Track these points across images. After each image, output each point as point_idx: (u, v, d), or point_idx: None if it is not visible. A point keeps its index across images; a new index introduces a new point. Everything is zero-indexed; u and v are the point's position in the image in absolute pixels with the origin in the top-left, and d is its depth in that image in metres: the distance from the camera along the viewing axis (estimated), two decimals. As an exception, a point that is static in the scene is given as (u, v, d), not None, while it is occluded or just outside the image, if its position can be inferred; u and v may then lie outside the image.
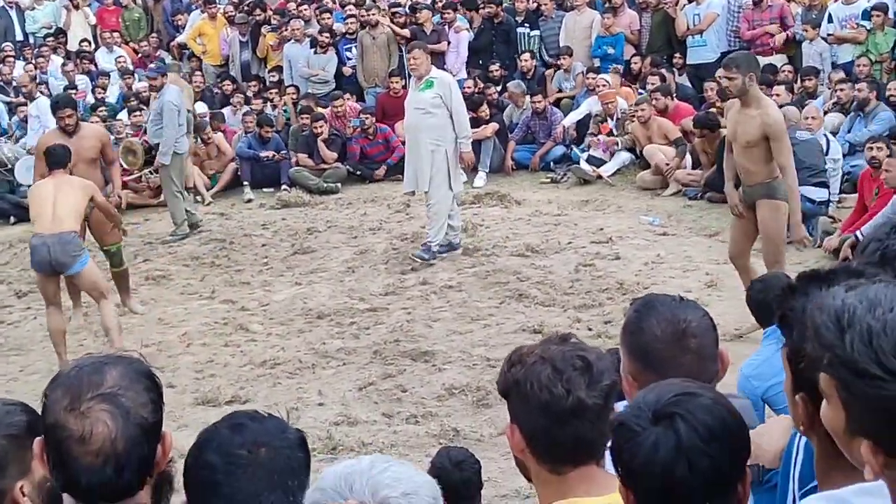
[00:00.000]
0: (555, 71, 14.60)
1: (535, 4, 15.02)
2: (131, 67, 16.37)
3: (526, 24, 14.93)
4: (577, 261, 9.82)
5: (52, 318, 8.35)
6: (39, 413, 2.17)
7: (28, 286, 10.63)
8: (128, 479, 2.05)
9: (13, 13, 17.42)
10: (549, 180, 12.96)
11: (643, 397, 1.97)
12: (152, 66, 13.26)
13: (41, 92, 14.85)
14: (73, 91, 14.25)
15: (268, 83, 15.57)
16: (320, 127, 13.68)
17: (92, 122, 14.07)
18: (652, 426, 1.89)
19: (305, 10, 15.85)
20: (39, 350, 8.89)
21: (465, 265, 10.03)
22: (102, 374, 2.07)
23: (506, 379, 2.31)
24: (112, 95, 15.78)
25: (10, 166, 13.51)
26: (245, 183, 13.63)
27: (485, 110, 13.44)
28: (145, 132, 12.49)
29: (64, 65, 16.28)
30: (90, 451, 2.02)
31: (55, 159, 8.37)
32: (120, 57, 16.50)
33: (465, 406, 6.92)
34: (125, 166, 12.10)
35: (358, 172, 13.60)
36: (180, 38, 16.82)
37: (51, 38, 17.07)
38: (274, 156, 13.69)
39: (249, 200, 13.35)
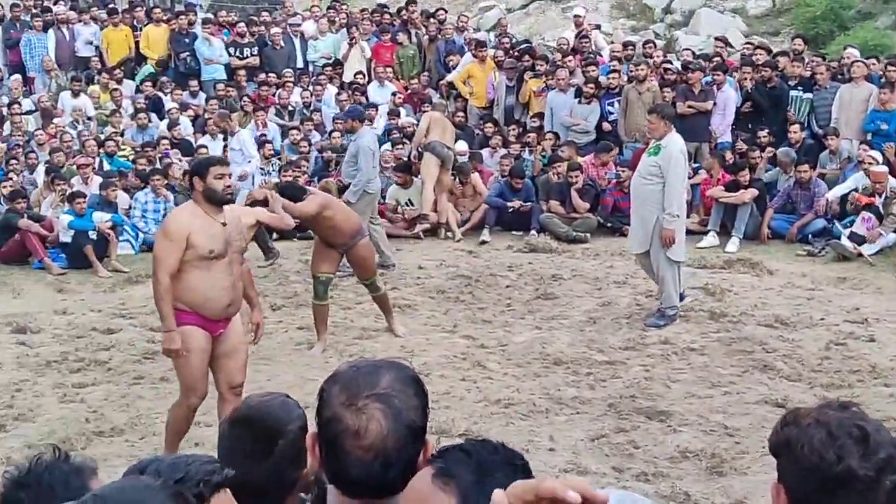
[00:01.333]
0: (818, 149, 14.17)
1: (810, 72, 14.62)
2: (399, 103, 16.97)
3: (799, 88, 14.55)
4: (828, 338, 9.44)
5: None
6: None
7: (283, 300, 11.16)
8: (392, 477, 2.11)
9: (297, 41, 18.37)
10: (805, 253, 12.54)
11: None
12: (348, 108, 13.59)
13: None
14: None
15: (528, 128, 15.78)
16: (576, 176, 13.75)
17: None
18: None
19: (570, 61, 16.01)
20: (287, 362, 9.25)
21: (709, 329, 9.81)
22: (378, 375, 2.17)
23: (778, 437, 2.26)
24: (379, 128, 16.36)
25: None
26: (487, 226, 13.88)
27: (745, 175, 13.17)
28: (339, 172, 12.94)
29: (338, 94, 17.02)
30: (363, 445, 2.10)
31: None
32: (394, 92, 17.11)
33: (699, 471, 6.74)
34: None
35: (608, 224, 13.58)
36: (449, 78, 17.28)
37: (329, 68, 17.89)
38: (521, 206, 13.87)
39: (484, 242, 13.56)
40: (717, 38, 17.20)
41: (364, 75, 17.70)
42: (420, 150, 14.08)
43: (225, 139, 15.47)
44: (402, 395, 2.15)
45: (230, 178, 6.84)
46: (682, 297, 10.22)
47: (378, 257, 11.39)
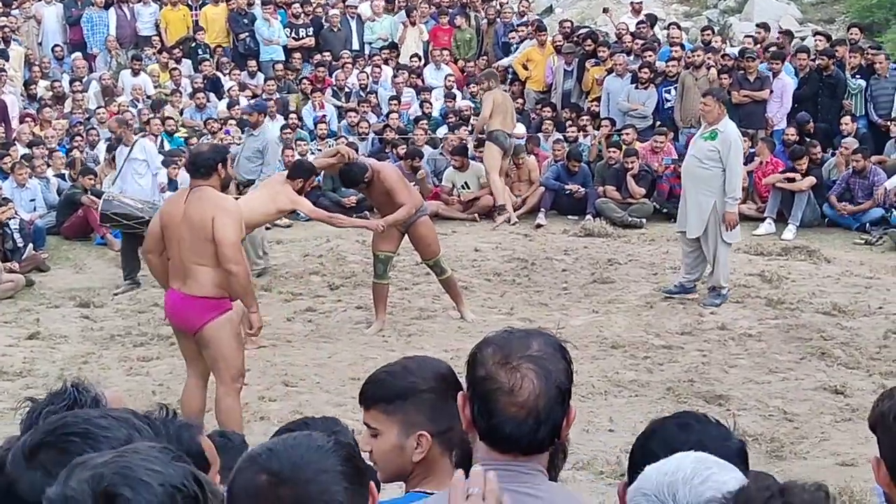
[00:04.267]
0: (876, 138, 14.05)
1: (870, 62, 14.50)
2: (456, 86, 17.04)
3: (857, 76, 14.42)
4: (886, 326, 9.43)
5: None
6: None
7: (341, 279, 11.29)
8: (542, 436, 2.26)
9: (353, 23, 18.45)
10: (863, 241, 12.49)
11: None
12: (252, 101, 13.54)
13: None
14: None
15: (585, 112, 15.77)
16: (632, 162, 13.76)
17: (415, 135, 14.92)
18: None
19: (630, 42, 16.02)
20: (346, 340, 9.40)
21: (767, 316, 9.83)
22: (529, 339, 2.31)
23: (874, 412, 2.33)
24: (435, 110, 16.45)
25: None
26: (542, 210, 13.91)
27: (803, 163, 13.13)
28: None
29: (394, 76, 17.11)
30: (516, 402, 2.24)
31: None
32: (448, 75, 17.17)
33: (758, 455, 6.76)
34: None
35: (664, 210, 13.57)
36: (507, 61, 17.31)
37: (385, 51, 17.97)
38: (577, 189, 13.89)
39: (539, 226, 13.60)
40: (780, 32, 17.05)
41: (420, 58, 17.77)
42: (482, 135, 14.07)
43: (111, 151, 13.41)
44: (552, 358, 2.29)
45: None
46: (689, 291, 10.35)
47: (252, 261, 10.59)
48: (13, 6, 18.51)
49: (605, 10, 19.19)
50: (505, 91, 15.00)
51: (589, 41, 16.36)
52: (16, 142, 14.71)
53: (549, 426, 2.26)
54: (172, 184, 13.45)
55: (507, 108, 13.80)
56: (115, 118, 13.21)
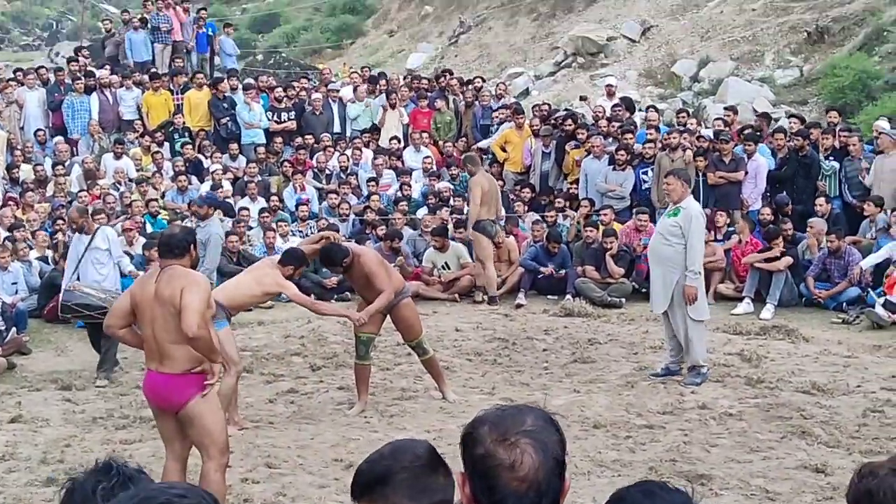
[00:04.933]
0: (851, 218, 14.28)
1: (843, 143, 14.77)
2: (436, 168, 17.26)
3: (831, 158, 14.70)
4: (865, 405, 9.48)
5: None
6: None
7: (322, 360, 11.31)
8: None
9: (335, 106, 18.73)
10: (840, 321, 12.62)
11: None
12: (201, 195, 13.40)
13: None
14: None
15: (563, 193, 15.97)
16: (610, 242, 13.91)
17: (395, 216, 15.02)
18: None
19: (606, 125, 16.31)
20: (328, 421, 9.38)
21: (746, 395, 9.89)
22: (523, 415, 2.40)
23: (857, 490, 2.40)
24: (415, 192, 16.62)
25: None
26: (522, 290, 14.01)
27: (779, 242, 13.31)
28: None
29: (374, 159, 17.32)
30: (518, 477, 2.31)
31: None
32: (426, 157, 17.39)
33: (741, 534, 6.82)
34: None
35: (643, 290, 13.65)
36: (485, 143, 17.55)
37: (366, 134, 18.21)
38: (554, 272, 14.03)
39: (519, 306, 13.72)
40: (758, 115, 17.38)
41: (399, 140, 18.00)
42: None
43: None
44: (546, 431, 2.37)
45: None
46: (676, 372, 10.46)
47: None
48: (-4, 91, 18.69)
49: (583, 98, 19.55)
50: (487, 172, 15.17)
51: (569, 121, 16.64)
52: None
53: (549, 498, 2.33)
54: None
55: (493, 194, 13.92)
56: (76, 207, 12.57)
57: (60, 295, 11.07)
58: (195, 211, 12.76)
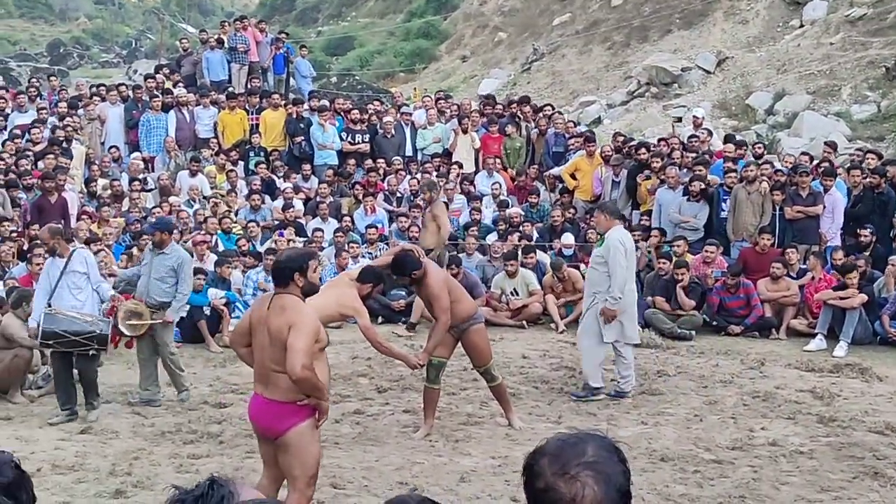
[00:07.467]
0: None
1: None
2: (506, 194, 17.25)
3: (905, 194, 14.47)
4: (942, 448, 9.28)
5: None
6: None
7: (388, 382, 11.33)
8: None
9: (407, 130, 18.82)
10: (916, 360, 12.39)
11: None
12: (156, 220, 12.67)
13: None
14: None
15: (636, 224, 15.87)
16: (682, 273, 13.78)
17: (465, 241, 15.05)
18: None
19: (678, 156, 16.18)
20: (393, 444, 9.37)
21: (818, 433, 9.71)
22: (584, 444, 2.32)
23: None
24: (486, 217, 16.62)
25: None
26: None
27: (854, 277, 13.09)
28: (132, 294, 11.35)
29: (445, 183, 17.36)
30: None
31: None
32: (495, 183, 17.40)
33: (812, 576, 6.68)
34: (126, 332, 10.74)
35: (714, 323, 13.54)
36: (556, 171, 17.51)
37: (437, 157, 18.26)
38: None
39: None
40: (826, 143, 17.17)
41: (471, 165, 18.03)
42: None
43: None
44: (608, 461, 2.29)
45: None
46: (624, 395, 10.84)
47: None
48: (78, 107, 19.03)
49: (679, 120, 19.40)
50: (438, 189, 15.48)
51: (643, 150, 16.54)
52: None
53: None
54: (226, 283, 13.67)
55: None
56: (48, 227, 11.00)
57: (39, 321, 10.06)
58: (151, 241, 11.27)
